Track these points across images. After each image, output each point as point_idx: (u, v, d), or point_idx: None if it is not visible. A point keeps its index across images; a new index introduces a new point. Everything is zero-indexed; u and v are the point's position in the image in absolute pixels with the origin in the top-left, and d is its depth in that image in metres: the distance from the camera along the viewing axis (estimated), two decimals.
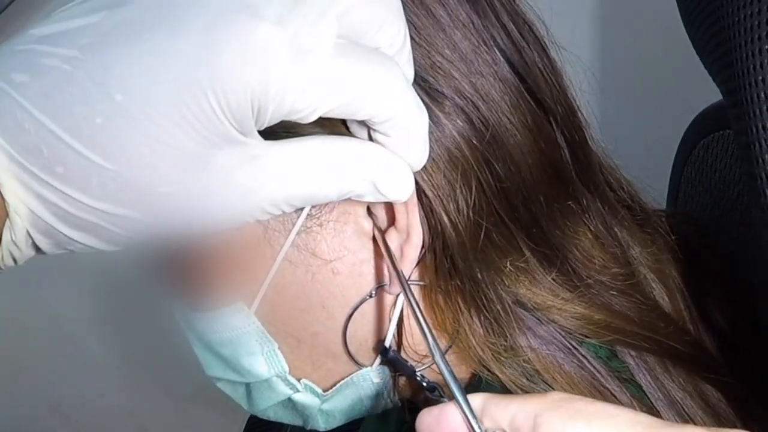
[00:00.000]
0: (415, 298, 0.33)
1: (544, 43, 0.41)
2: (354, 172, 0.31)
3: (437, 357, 0.30)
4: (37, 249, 0.29)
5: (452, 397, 0.34)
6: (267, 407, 0.43)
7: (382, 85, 0.29)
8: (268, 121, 0.28)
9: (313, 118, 0.29)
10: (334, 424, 0.45)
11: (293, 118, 0.29)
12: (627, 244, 0.44)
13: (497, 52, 0.38)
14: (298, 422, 0.45)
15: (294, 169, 0.30)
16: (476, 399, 0.27)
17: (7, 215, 0.27)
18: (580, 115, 0.43)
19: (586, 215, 0.41)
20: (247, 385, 0.43)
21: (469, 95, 0.36)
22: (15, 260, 0.29)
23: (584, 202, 0.41)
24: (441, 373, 0.29)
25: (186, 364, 1.34)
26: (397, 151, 0.32)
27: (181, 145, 0.27)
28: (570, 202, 0.40)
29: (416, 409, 0.45)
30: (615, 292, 0.41)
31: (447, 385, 0.40)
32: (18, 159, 0.26)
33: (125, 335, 1.30)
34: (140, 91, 0.26)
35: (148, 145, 0.26)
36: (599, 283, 0.40)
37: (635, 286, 0.42)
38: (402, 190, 0.33)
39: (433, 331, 0.39)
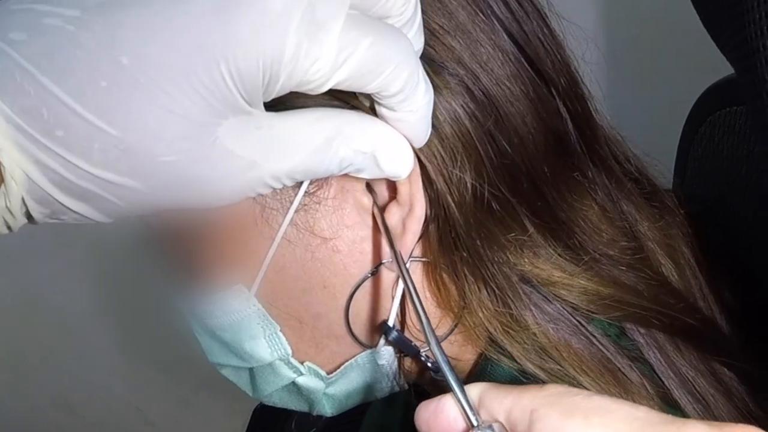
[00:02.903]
0: (410, 276, 0.32)
1: (544, 13, 0.40)
2: (355, 145, 0.31)
3: (432, 344, 0.29)
4: (30, 218, 0.28)
5: (465, 377, 0.33)
6: (271, 392, 0.42)
7: (393, 59, 0.29)
8: (276, 92, 0.28)
9: (323, 90, 0.28)
10: (341, 409, 0.44)
11: (303, 89, 0.28)
12: (634, 219, 0.43)
13: (495, 22, 0.37)
14: (303, 407, 0.44)
15: (297, 141, 0.29)
16: (473, 390, 0.26)
17: (2, 180, 0.26)
18: (583, 86, 0.42)
19: (592, 188, 0.41)
20: (251, 371, 0.42)
21: (468, 65, 0.35)
22: (9, 227, 0.28)
23: (590, 174, 0.41)
24: (437, 363, 0.28)
25: (191, 357, 1.33)
26: (401, 127, 0.32)
27: (187, 113, 0.26)
28: (575, 174, 0.40)
29: (423, 392, 0.44)
30: (623, 267, 0.40)
31: (460, 361, 0.40)
32: (17, 121, 0.25)
33: (131, 328, 1.30)
34: (147, 55, 0.25)
35: (153, 111, 0.25)
36: (607, 257, 0.40)
37: (644, 260, 0.41)
38: (402, 167, 0.33)
39: (437, 311, 0.39)
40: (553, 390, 0.24)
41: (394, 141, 0.32)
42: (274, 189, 0.30)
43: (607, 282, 0.39)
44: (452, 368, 0.27)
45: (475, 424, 0.25)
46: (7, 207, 0.27)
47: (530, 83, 0.37)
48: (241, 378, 0.44)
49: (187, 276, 0.39)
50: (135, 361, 1.32)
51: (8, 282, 1.21)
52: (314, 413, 0.45)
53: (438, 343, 0.28)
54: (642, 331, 0.40)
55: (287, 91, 0.28)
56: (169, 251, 0.39)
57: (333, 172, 0.31)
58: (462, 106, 0.35)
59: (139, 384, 1.32)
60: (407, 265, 0.37)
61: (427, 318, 0.30)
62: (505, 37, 0.37)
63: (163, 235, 0.38)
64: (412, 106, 0.31)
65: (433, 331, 0.29)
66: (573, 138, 0.40)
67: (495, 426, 0.24)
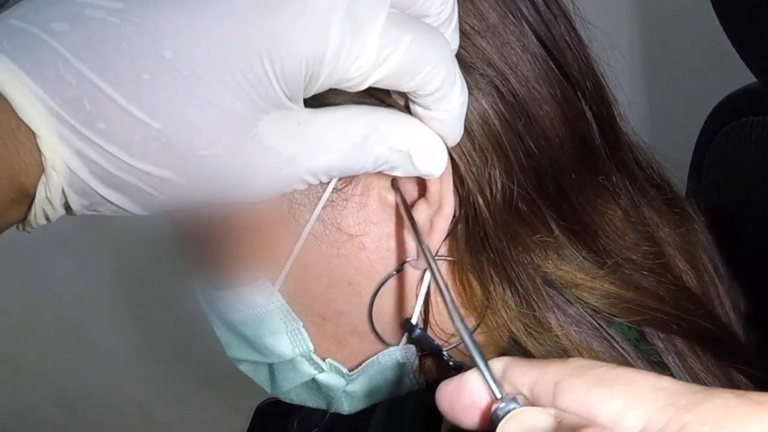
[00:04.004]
0: (439, 270, 0.32)
1: (571, 17, 0.40)
2: (391, 143, 0.31)
3: (462, 332, 0.28)
4: (68, 209, 0.28)
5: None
6: (290, 389, 0.42)
7: (432, 58, 0.29)
8: (316, 89, 0.28)
9: (362, 87, 0.29)
10: (358, 407, 0.44)
11: (342, 86, 0.28)
12: (656, 224, 0.43)
13: (524, 24, 0.37)
14: (321, 405, 0.44)
15: (335, 138, 0.29)
16: (497, 363, 0.26)
17: (43, 171, 0.26)
18: (608, 90, 0.42)
19: (616, 192, 0.41)
20: (270, 366, 0.42)
21: (498, 66, 0.35)
22: (48, 219, 0.28)
23: (614, 179, 0.41)
24: (460, 336, 0.28)
25: (193, 354, 1.34)
26: (435, 126, 0.32)
27: (228, 108, 0.26)
28: (600, 178, 0.40)
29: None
30: (645, 271, 0.40)
31: (473, 361, 0.40)
32: (58, 112, 0.25)
33: (132, 326, 1.30)
34: (191, 49, 0.25)
35: (195, 105, 0.26)
36: (629, 262, 0.40)
37: (665, 266, 0.42)
38: (436, 165, 0.33)
39: (460, 310, 0.39)
40: (577, 363, 0.24)
41: (429, 140, 0.32)
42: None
43: (629, 286, 0.39)
44: (477, 344, 0.27)
45: (499, 396, 0.25)
46: (47, 198, 0.27)
47: (558, 86, 0.37)
48: (260, 374, 0.44)
49: (211, 270, 0.39)
50: (136, 359, 1.31)
51: (9, 277, 1.21)
52: (331, 410, 0.45)
53: (462, 320, 0.28)
54: (661, 335, 0.40)
55: (326, 88, 0.28)
56: (194, 244, 0.39)
57: (368, 169, 0.31)
58: (492, 106, 0.35)
59: (140, 381, 1.32)
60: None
61: (456, 308, 0.29)
62: (534, 39, 0.37)
63: (189, 228, 0.38)
64: (448, 105, 0.31)
65: (462, 319, 0.29)
66: (598, 142, 0.40)
67: (519, 398, 0.24)
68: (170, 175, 0.27)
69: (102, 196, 0.27)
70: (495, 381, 0.25)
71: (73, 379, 1.31)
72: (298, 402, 0.45)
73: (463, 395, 0.25)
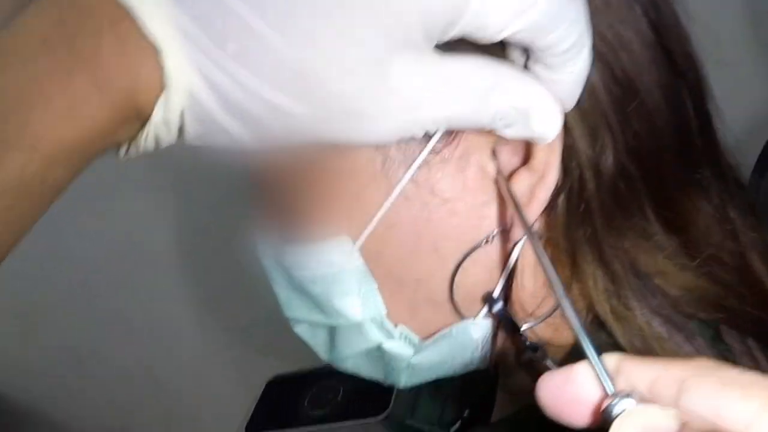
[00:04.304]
0: (539, 240, 0.31)
1: (674, 5, 0.39)
2: (511, 100, 0.30)
3: (567, 308, 0.27)
4: (180, 135, 0.26)
5: (559, 362, 0.31)
6: (349, 355, 0.41)
7: (568, 17, 0.28)
8: (452, 34, 0.27)
9: (497, 39, 0.28)
10: (416, 382, 0.42)
11: (477, 35, 0.27)
12: (739, 226, 0.42)
13: (636, 5, 0.36)
14: (377, 376, 0.43)
15: (460, 87, 0.28)
16: (611, 359, 0.25)
17: (163, 90, 0.24)
18: (706, 85, 0.41)
19: (707, 188, 0.40)
20: (332, 330, 0.41)
21: (611, 43, 0.35)
22: (158, 143, 0.27)
23: (707, 174, 0.40)
24: (572, 326, 0.27)
25: (206, 325, 1.33)
26: (555, 88, 0.31)
27: (367, 42, 0.25)
28: (696, 173, 0.39)
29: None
30: (730, 270, 0.39)
31: (552, 346, 0.39)
32: (188, 28, 0.24)
33: (147, 288, 1.28)
34: None
35: (333, 35, 0.24)
36: (715, 258, 0.39)
37: (748, 266, 0.41)
38: (551, 129, 0.32)
39: (542, 289, 0.37)
40: (704, 362, 0.22)
41: (548, 101, 0.31)
42: (409, 140, 0.30)
43: (716, 281, 0.38)
44: (588, 332, 0.25)
45: (611, 392, 0.23)
46: (163, 119, 0.25)
47: (665, 71, 0.37)
48: (317, 337, 0.43)
49: (288, 221, 0.38)
50: (147, 321, 1.30)
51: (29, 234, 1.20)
52: (387, 383, 0.44)
53: (575, 309, 0.27)
54: (737, 337, 0.39)
55: (462, 35, 0.27)
56: (274, 195, 0.38)
57: (485, 124, 0.30)
58: (602, 81, 0.34)
59: (152, 343, 1.31)
60: (525, 238, 0.36)
61: (560, 278, 0.28)
62: (645, 21, 0.36)
63: (273, 177, 0.37)
64: (573, 67, 0.30)
65: (566, 293, 0.27)
66: (696, 135, 0.39)
67: (635, 395, 0.23)
68: (296, 106, 0.25)
69: (220, 124, 0.26)
70: (608, 374, 0.24)
71: (82, 336, 1.30)
72: (352, 371, 0.44)
73: (571, 388, 0.24)
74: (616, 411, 0.22)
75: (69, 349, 1.31)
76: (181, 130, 0.26)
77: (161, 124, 0.26)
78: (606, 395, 0.23)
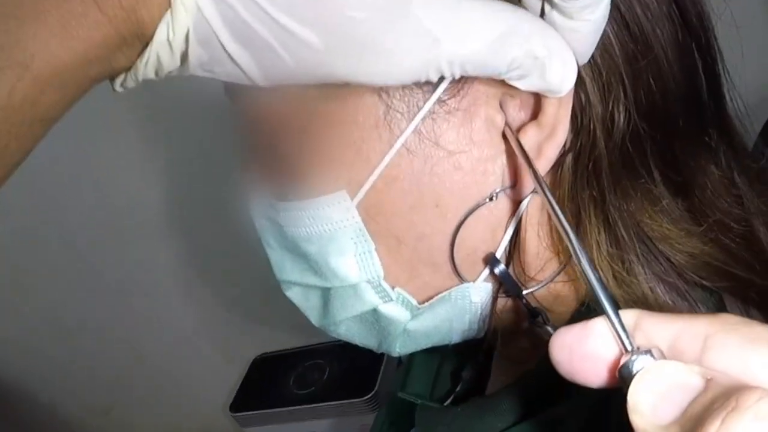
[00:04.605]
0: (552, 194, 0.29)
1: None
2: (529, 47, 0.28)
3: (583, 260, 0.25)
4: (183, 61, 0.25)
5: (560, 325, 0.30)
6: (344, 319, 0.39)
7: None
8: None
9: None
10: (411, 349, 0.41)
11: None
12: (747, 192, 0.41)
13: None
14: (371, 343, 0.42)
15: (479, 28, 0.27)
16: (629, 314, 0.23)
17: (169, 7, 0.23)
18: (717, 48, 0.40)
19: (716, 153, 0.39)
20: (326, 293, 0.39)
21: None
22: (159, 69, 0.25)
23: (715, 137, 0.39)
24: (586, 278, 0.25)
25: (192, 301, 1.31)
26: (571, 38, 0.29)
27: None
28: (705, 136, 0.38)
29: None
30: (736, 237, 0.38)
31: (553, 313, 0.38)
32: None
33: (134, 267, 1.26)
34: None
35: None
36: (722, 224, 0.38)
37: (754, 234, 0.40)
38: (566, 81, 0.30)
39: (546, 252, 0.36)
40: (730, 318, 0.21)
41: (564, 52, 0.29)
42: (417, 87, 0.28)
43: (721, 248, 0.37)
44: (605, 287, 0.24)
45: (630, 348, 0.22)
46: (168, 40, 0.24)
47: (680, 29, 0.35)
48: (310, 300, 0.41)
49: (283, 178, 0.36)
50: (134, 298, 1.29)
51: (14, 201, 1.17)
52: (380, 350, 0.42)
53: (591, 264, 0.25)
54: (740, 306, 0.38)
55: None
56: (270, 148, 0.36)
57: (500, 71, 0.29)
58: (616, 34, 0.33)
59: (138, 320, 1.29)
60: (530, 197, 0.34)
61: (574, 231, 0.26)
62: None
63: (270, 128, 0.35)
64: (591, 15, 0.28)
65: (581, 244, 0.26)
66: (706, 97, 0.38)
67: (654, 352, 0.21)
68: (310, 34, 0.24)
69: (226, 51, 0.24)
70: (626, 330, 0.22)
71: (70, 310, 1.28)
72: (344, 337, 0.42)
73: (588, 343, 0.23)
74: (635, 368, 0.21)
75: (55, 322, 1.29)
76: (184, 56, 0.24)
77: (164, 46, 0.24)
78: (624, 352, 0.22)
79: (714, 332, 0.21)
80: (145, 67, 0.25)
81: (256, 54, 0.24)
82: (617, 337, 0.22)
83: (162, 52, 0.24)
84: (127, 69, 0.25)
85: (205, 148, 1.05)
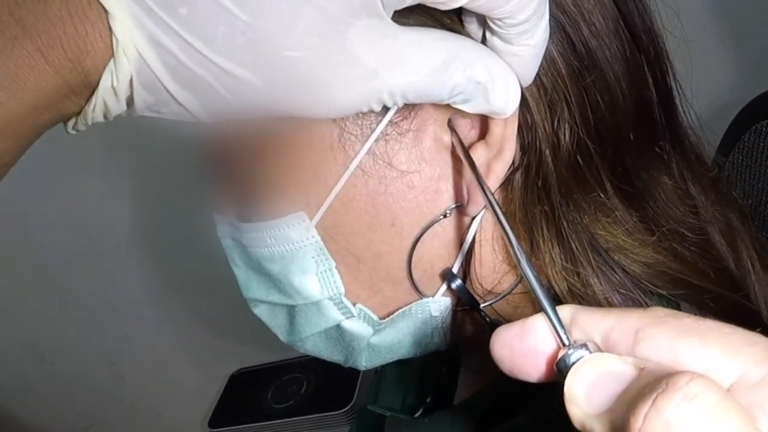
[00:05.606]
0: (502, 209, 0.30)
1: None
2: (470, 73, 0.29)
3: (523, 263, 0.26)
4: (130, 105, 0.25)
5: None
6: (309, 335, 0.40)
7: None
8: (410, 1, 0.26)
9: (455, 5, 0.27)
10: (376, 363, 0.42)
11: (434, 2, 0.27)
12: (701, 201, 0.42)
13: None
14: (337, 357, 0.42)
15: (419, 58, 0.28)
16: (565, 310, 0.24)
17: (112, 56, 0.24)
18: (668, 61, 0.41)
19: (668, 163, 0.40)
20: (291, 310, 0.40)
21: (571, 13, 0.34)
22: (106, 113, 0.26)
23: (667, 148, 0.40)
24: (527, 280, 0.26)
25: (170, 317, 1.30)
26: (513, 62, 0.30)
27: (323, 6, 0.24)
28: (656, 147, 0.39)
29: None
30: (691, 246, 0.39)
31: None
32: None
33: (110, 282, 1.26)
34: None
35: (289, 1, 0.24)
36: (676, 233, 0.39)
37: (709, 243, 0.41)
38: (509, 103, 0.31)
39: (502, 266, 0.37)
40: (660, 311, 0.22)
41: (507, 75, 0.30)
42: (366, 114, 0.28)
43: (676, 257, 0.38)
44: (542, 285, 0.25)
45: (567, 342, 0.23)
46: (112, 87, 0.24)
47: (627, 45, 0.36)
48: (276, 318, 0.42)
49: (244, 198, 0.37)
50: (110, 316, 1.28)
51: None
52: (347, 365, 0.43)
53: (528, 261, 0.26)
54: (697, 313, 0.39)
55: (418, 1, 0.27)
56: (229, 172, 0.37)
57: (443, 97, 0.29)
58: (561, 53, 0.34)
59: (113, 338, 1.28)
60: (483, 213, 0.35)
61: (517, 239, 0.27)
62: None
63: (227, 152, 0.36)
64: (531, 40, 0.29)
65: (523, 250, 0.27)
66: (656, 110, 0.39)
67: (590, 345, 0.22)
68: (249, 75, 0.25)
69: (170, 93, 0.25)
70: (563, 326, 0.23)
71: (44, 328, 1.27)
72: (312, 352, 0.43)
73: (526, 340, 0.23)
74: (571, 361, 0.21)
75: (30, 345, 1.28)
76: (130, 99, 0.25)
77: (109, 92, 0.25)
78: (561, 346, 0.22)
79: (645, 325, 0.21)
80: (93, 112, 0.26)
81: (199, 95, 0.25)
82: (554, 333, 0.23)
83: (108, 98, 0.25)
84: (77, 114, 0.26)
85: (178, 165, 1.05)
